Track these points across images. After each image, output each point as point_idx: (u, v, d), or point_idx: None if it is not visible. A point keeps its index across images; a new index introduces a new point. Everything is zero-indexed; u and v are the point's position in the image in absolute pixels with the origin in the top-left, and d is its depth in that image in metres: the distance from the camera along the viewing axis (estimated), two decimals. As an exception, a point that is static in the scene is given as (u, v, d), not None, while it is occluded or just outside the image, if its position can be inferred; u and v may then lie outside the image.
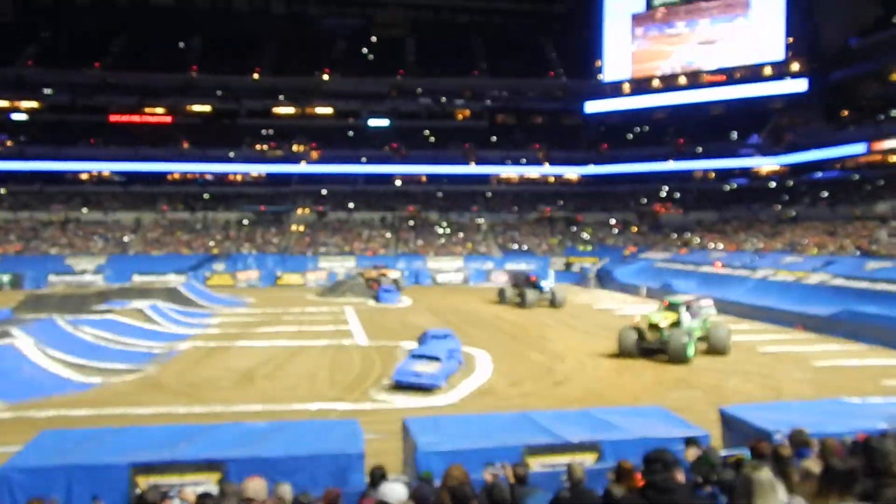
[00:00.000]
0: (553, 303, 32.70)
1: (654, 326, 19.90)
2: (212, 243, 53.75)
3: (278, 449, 7.95)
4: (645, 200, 61.60)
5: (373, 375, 17.94)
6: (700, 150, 58.59)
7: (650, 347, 19.83)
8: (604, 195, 63.28)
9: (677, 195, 60.65)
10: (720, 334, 20.44)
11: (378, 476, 6.23)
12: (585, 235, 57.49)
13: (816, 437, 6.75)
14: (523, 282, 34.19)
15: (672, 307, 20.79)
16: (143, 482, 7.33)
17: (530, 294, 32.87)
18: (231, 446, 8.04)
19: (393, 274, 41.52)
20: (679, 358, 18.92)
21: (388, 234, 57.14)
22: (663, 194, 61.67)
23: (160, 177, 61.16)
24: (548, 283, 34.03)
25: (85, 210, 57.34)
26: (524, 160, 64.55)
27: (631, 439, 8.36)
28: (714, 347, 20.32)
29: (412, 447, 8.19)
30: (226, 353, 21.57)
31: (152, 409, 14.53)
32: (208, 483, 7.39)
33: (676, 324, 20.02)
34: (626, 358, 19.89)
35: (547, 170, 64.58)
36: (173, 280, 38.89)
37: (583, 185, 64.54)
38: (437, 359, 16.85)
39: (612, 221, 60.11)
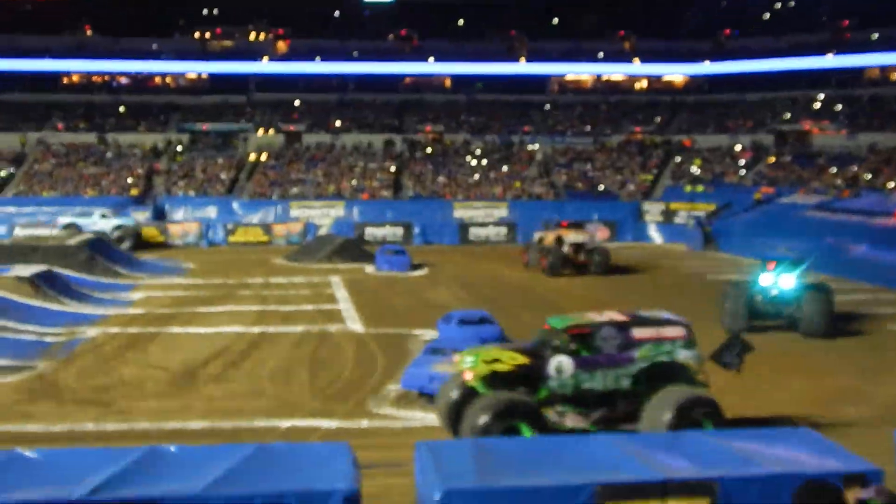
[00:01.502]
0: (794, 324, 23.57)
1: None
2: (130, 180, 54.06)
3: (232, 485, 8.02)
4: (788, 115, 60.55)
5: (372, 379, 18.08)
6: (875, 36, 57.21)
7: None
8: (724, 108, 62.40)
9: (839, 107, 59.47)
10: (658, 410, 13.29)
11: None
12: (695, 169, 56.80)
13: None
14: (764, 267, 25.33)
15: (546, 340, 14.44)
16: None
17: (738, 298, 23.91)
18: (163, 480, 8.13)
19: (578, 235, 38.55)
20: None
21: (394, 168, 57.02)
22: (817, 106, 60.54)
23: (52, 80, 61.51)
24: (789, 279, 24.46)
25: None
26: (601, 54, 63.60)
27: (761, 476, 8.32)
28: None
29: (429, 484, 8.23)
30: (153, 342, 21.81)
31: (45, 426, 14.77)
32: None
33: (527, 377, 13.76)
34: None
35: (636, 68, 63.75)
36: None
37: (692, 93, 63.68)
38: (467, 354, 16.87)
39: (738, 148, 59.23)
